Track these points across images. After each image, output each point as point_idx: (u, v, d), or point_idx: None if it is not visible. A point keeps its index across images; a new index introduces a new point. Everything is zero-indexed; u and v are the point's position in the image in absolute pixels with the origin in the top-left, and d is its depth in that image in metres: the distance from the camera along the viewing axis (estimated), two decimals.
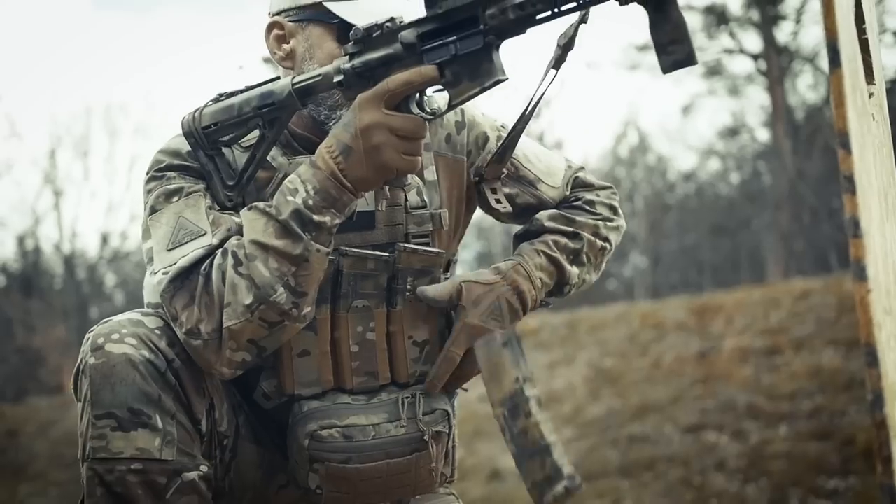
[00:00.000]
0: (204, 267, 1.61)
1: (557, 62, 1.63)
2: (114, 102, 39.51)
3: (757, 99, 23.28)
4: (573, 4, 1.40)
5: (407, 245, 1.76)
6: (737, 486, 5.59)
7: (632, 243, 23.44)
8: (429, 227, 1.80)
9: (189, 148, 1.74)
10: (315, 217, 1.57)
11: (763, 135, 22.63)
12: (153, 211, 1.71)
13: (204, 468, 1.66)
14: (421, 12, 1.54)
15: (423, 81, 1.54)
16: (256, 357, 1.63)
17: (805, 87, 21.83)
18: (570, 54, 1.63)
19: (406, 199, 1.79)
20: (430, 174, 1.85)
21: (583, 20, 1.54)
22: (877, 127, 1.28)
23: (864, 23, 1.28)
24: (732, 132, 23.41)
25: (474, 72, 1.51)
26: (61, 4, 43.00)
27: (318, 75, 1.65)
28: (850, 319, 7.89)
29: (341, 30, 1.71)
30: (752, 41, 19.00)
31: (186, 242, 1.64)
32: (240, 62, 1.92)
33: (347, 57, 1.61)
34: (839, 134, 1.02)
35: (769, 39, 19.20)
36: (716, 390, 7.41)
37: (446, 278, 1.87)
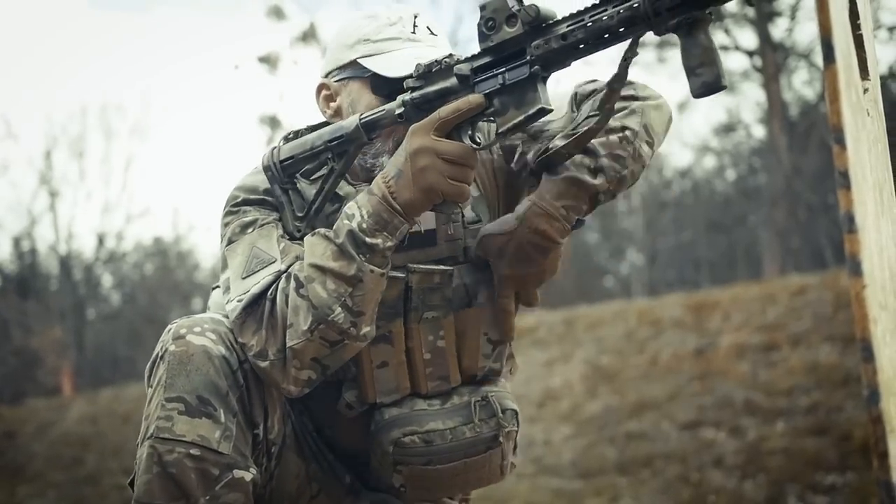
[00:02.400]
0: (270, 292, 1.72)
1: (607, 100, 1.66)
2: (110, 102, 39.48)
3: (752, 95, 23.28)
4: (608, 36, 1.49)
5: (417, 266, 1.85)
6: (734, 482, 5.59)
7: (628, 241, 23.45)
8: None
9: (263, 184, 1.87)
10: (368, 239, 1.67)
11: (759, 131, 22.65)
12: (229, 242, 1.83)
13: (253, 471, 1.73)
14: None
15: (470, 108, 1.64)
16: (322, 374, 1.73)
17: (800, 84, 21.85)
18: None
19: (463, 216, 1.91)
20: (474, 189, 1.93)
21: (631, 54, 1.55)
22: (871, 122, 1.28)
23: (858, 18, 1.28)
24: (728, 129, 23.42)
25: (520, 101, 1.61)
26: (56, 3, 42.96)
27: (383, 110, 1.77)
28: (847, 315, 7.90)
29: (375, 83, 1.85)
30: (748, 38, 19.04)
31: (259, 270, 1.76)
32: (236, 61, 1.96)
33: (409, 91, 1.72)
34: (833, 130, 1.02)
35: (764, 36, 19.21)
36: (713, 387, 7.42)
37: None
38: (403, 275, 1.84)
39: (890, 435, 0.96)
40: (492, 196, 1.98)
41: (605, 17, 1.47)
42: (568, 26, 1.52)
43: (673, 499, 5.65)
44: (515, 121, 1.61)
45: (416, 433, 1.85)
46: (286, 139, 1.92)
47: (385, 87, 1.84)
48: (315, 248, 1.71)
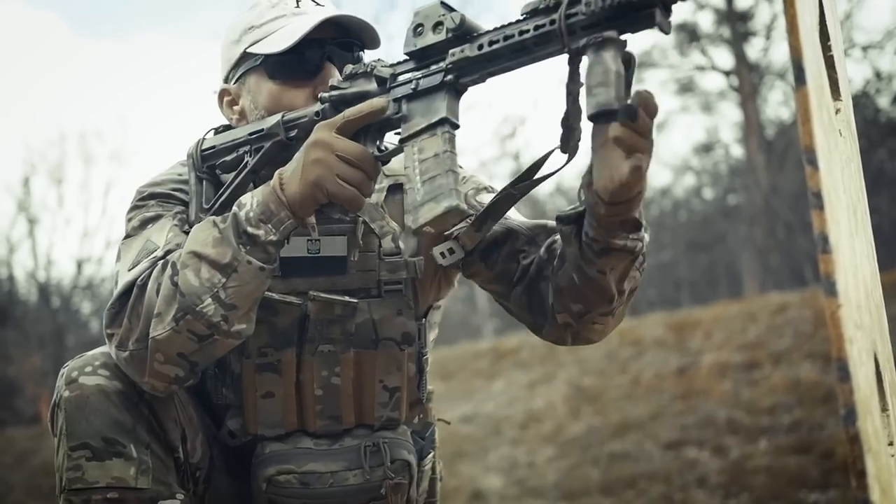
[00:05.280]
0: (141, 279, 1.60)
1: (563, 142, 1.50)
2: (89, 129, 39.40)
3: (730, 115, 23.48)
4: (523, 52, 1.42)
5: (318, 294, 1.74)
6: (718, 501, 5.59)
7: None
8: (402, 274, 1.79)
9: (173, 179, 1.80)
10: (249, 229, 1.56)
11: (737, 150, 22.83)
12: (127, 236, 1.74)
13: (180, 496, 1.67)
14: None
15: (372, 111, 1.57)
16: (190, 373, 1.61)
17: (776, 103, 22.05)
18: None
19: (380, 246, 1.79)
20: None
21: (574, 87, 1.43)
22: (844, 143, 1.29)
23: (829, 39, 1.29)
24: (706, 148, 23.60)
25: (427, 109, 1.52)
26: (39, 30, 42.86)
27: (305, 112, 1.68)
28: (827, 332, 7.91)
29: (270, 67, 1.77)
30: (724, 58, 19.18)
31: (143, 260, 1.65)
32: (214, 86, 1.90)
33: (330, 91, 1.64)
34: (806, 151, 1.03)
35: (740, 56, 19.39)
36: (695, 406, 7.42)
37: (420, 325, 1.84)
38: (300, 301, 1.74)
39: (868, 454, 0.96)
40: (428, 238, 1.82)
41: (521, 32, 1.41)
42: (487, 38, 1.45)
43: None
44: (417, 128, 1.52)
45: (292, 472, 1.75)
46: (215, 130, 1.84)
47: (280, 68, 1.76)
48: (198, 234, 1.60)
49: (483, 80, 1.50)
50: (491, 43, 1.44)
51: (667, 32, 1.31)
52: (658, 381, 8.36)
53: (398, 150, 1.58)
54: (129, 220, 1.77)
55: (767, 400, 7.08)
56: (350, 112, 1.57)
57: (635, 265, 1.58)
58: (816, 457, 5.74)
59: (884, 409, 1.19)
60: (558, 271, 1.65)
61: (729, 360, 8.26)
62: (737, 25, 19.73)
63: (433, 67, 1.52)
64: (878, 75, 18.70)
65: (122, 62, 43.11)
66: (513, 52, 1.43)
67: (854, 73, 19.11)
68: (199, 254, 1.56)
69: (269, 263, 1.58)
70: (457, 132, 1.52)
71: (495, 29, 1.45)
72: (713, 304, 12.39)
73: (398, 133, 1.57)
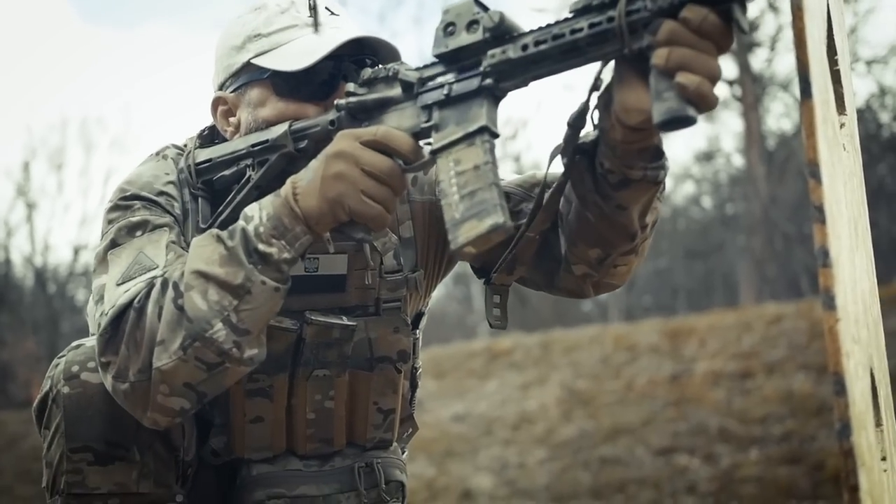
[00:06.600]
0: (138, 300, 1.45)
1: (567, 143, 1.41)
2: (91, 115, 39.29)
3: (732, 124, 23.50)
4: (575, 53, 1.27)
5: (316, 318, 1.63)
6: None
7: None
8: (402, 291, 1.72)
9: (159, 180, 1.64)
10: (260, 246, 1.41)
11: (737, 160, 22.82)
12: (114, 245, 1.57)
13: (179, 498, 1.63)
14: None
15: (408, 150, 1.42)
16: (196, 404, 1.47)
17: (778, 114, 22.05)
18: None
19: (382, 263, 1.69)
20: (407, 230, 1.75)
21: (595, 87, 1.32)
22: (847, 157, 1.29)
23: (836, 54, 1.29)
24: (708, 157, 23.60)
25: (462, 116, 1.36)
26: (48, 16, 42.75)
27: (316, 121, 1.54)
28: (822, 345, 7.94)
29: (277, 83, 1.61)
30: (728, 67, 19.16)
31: (136, 276, 1.50)
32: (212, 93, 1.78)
33: (347, 97, 1.50)
34: (809, 164, 1.03)
35: (744, 66, 19.37)
36: (687, 413, 7.43)
37: (415, 335, 1.80)
38: (296, 327, 1.63)
39: (861, 468, 0.97)
40: (423, 245, 1.77)
41: (573, 31, 1.24)
42: (532, 38, 1.30)
43: None
44: (452, 138, 1.35)
45: (283, 496, 1.67)
46: (200, 139, 1.70)
47: (289, 86, 1.60)
48: (202, 251, 1.44)
49: (525, 85, 1.35)
50: (537, 43, 1.28)
51: (745, 31, 1.17)
52: (651, 388, 8.36)
53: (430, 163, 1.42)
54: (111, 221, 1.60)
55: (760, 410, 7.08)
56: (385, 136, 1.41)
57: (657, 195, 1.46)
58: (807, 468, 5.75)
59: (878, 424, 1.19)
60: (568, 216, 1.52)
61: (723, 368, 8.27)
62: (741, 35, 19.71)
63: (470, 73, 1.36)
64: (882, 90, 18.72)
65: (129, 51, 43.09)
66: (562, 53, 1.27)
67: (857, 88, 19.13)
68: (205, 273, 1.41)
69: (284, 283, 1.44)
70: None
71: (540, 28, 1.30)
72: (709, 312, 12.40)
73: (428, 143, 1.41)
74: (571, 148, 1.41)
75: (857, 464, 0.96)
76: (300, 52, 1.57)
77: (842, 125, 1.30)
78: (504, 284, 1.61)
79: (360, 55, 1.62)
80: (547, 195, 1.51)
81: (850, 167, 1.30)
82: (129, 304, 1.45)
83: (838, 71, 1.31)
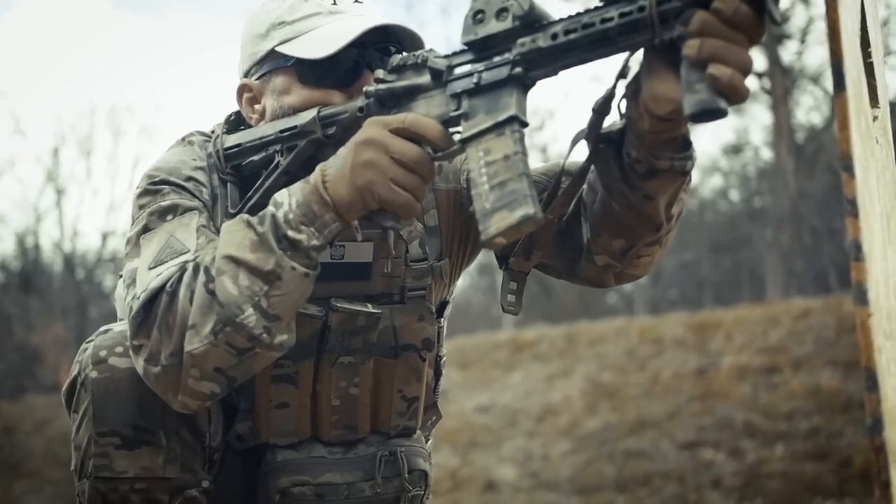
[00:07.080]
0: (170, 284, 1.46)
1: (591, 129, 1.41)
2: (119, 103, 39.57)
3: (760, 117, 23.31)
4: (605, 42, 1.26)
5: (342, 305, 1.64)
6: None
7: None
8: (427, 280, 1.73)
9: (187, 165, 1.66)
10: (290, 233, 1.42)
11: (766, 153, 22.66)
12: (146, 229, 1.58)
13: (205, 483, 1.64)
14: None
15: (438, 138, 1.41)
16: (226, 388, 1.48)
17: (808, 107, 21.85)
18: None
19: (407, 251, 1.70)
20: (432, 219, 1.76)
21: (622, 75, 1.33)
22: (880, 150, 1.28)
23: (869, 46, 1.28)
24: (736, 150, 23.44)
25: (492, 105, 1.36)
26: (80, 3, 43.10)
27: (345, 107, 1.54)
28: (849, 340, 7.89)
29: (301, 71, 1.62)
30: (757, 60, 18.99)
31: (167, 260, 1.51)
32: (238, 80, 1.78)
33: (376, 84, 1.50)
34: (843, 157, 1.02)
35: (774, 58, 19.21)
36: (713, 407, 7.40)
37: (440, 324, 1.80)
38: (321, 314, 1.63)
39: (893, 464, 0.96)
40: (448, 234, 1.77)
41: (603, 20, 1.24)
42: (562, 26, 1.29)
43: None
44: (482, 127, 1.35)
45: (307, 484, 1.68)
46: (228, 121, 1.72)
47: (313, 73, 1.61)
48: (232, 236, 1.44)
49: (555, 74, 1.34)
50: (567, 32, 1.27)
51: (777, 23, 1.16)
52: (677, 381, 8.33)
53: (458, 151, 1.42)
54: (142, 206, 1.61)
55: (786, 405, 7.05)
56: (413, 124, 1.40)
57: (683, 187, 1.45)
58: (833, 464, 5.72)
59: None
60: (592, 205, 1.51)
61: (749, 363, 8.23)
62: (771, 27, 19.52)
63: (497, 59, 1.36)
64: None
65: (159, 38, 43.31)
66: (592, 42, 1.26)
67: (890, 81, 18.90)
68: (236, 259, 1.42)
69: (313, 269, 1.44)
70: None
71: (570, 17, 1.29)
72: (735, 307, 12.34)
73: (457, 132, 1.41)
74: (595, 133, 1.41)
75: (889, 460, 0.95)
76: (324, 39, 1.58)
77: (875, 118, 1.29)
78: (522, 271, 1.62)
79: (384, 43, 1.63)
80: (568, 181, 1.51)
81: (882, 161, 1.29)
82: (161, 288, 1.46)
83: (871, 64, 1.30)
